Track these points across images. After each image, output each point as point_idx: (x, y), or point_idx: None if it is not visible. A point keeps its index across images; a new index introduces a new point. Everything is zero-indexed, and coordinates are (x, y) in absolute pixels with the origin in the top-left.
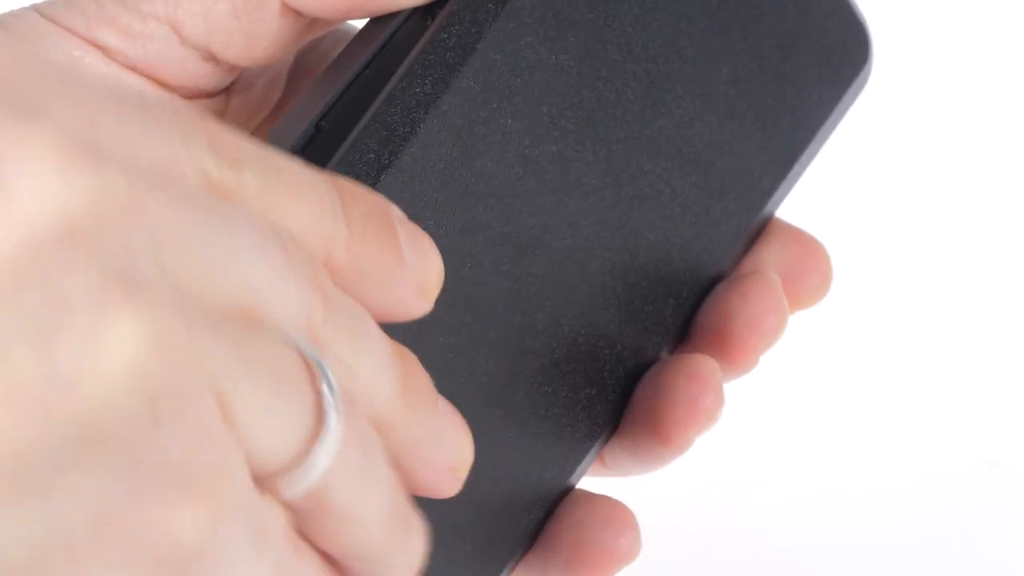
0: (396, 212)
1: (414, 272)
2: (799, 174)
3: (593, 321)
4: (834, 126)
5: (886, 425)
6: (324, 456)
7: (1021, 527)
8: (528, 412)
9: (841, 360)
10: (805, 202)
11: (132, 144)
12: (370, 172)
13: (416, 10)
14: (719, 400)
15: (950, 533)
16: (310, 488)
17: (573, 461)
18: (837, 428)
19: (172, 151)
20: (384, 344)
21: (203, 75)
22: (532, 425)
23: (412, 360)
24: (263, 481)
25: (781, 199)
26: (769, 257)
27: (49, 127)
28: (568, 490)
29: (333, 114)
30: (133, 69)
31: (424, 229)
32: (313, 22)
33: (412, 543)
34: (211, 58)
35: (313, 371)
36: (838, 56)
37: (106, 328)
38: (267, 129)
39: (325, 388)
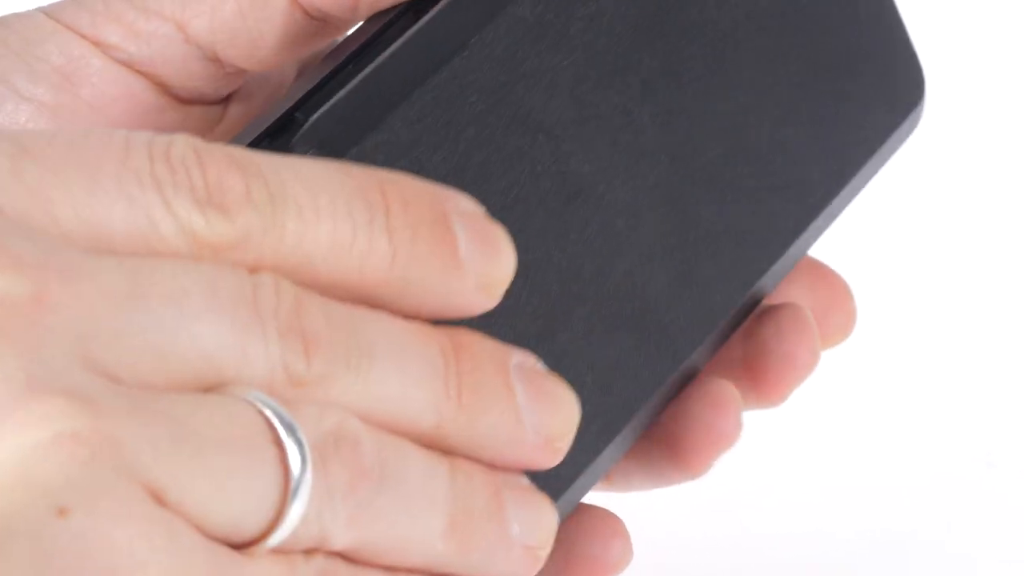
0: (461, 207)
1: (474, 273)
2: (852, 194)
3: (637, 284)
4: (884, 160)
5: (886, 425)
6: (297, 511)
7: (1021, 527)
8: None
9: (840, 360)
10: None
11: (99, 219)
12: (407, 83)
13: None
14: (738, 426)
15: (950, 533)
16: (313, 540)
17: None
18: (836, 428)
19: (151, 215)
20: (414, 355)
21: (204, 76)
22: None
23: (467, 349)
24: (251, 546)
25: (831, 218)
26: (796, 293)
27: None
28: (584, 488)
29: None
30: (132, 67)
31: (461, 146)
32: (318, 27)
33: (506, 533)
34: (214, 58)
35: (275, 428)
36: (896, 86)
37: (3, 429)
38: None
39: (289, 443)
